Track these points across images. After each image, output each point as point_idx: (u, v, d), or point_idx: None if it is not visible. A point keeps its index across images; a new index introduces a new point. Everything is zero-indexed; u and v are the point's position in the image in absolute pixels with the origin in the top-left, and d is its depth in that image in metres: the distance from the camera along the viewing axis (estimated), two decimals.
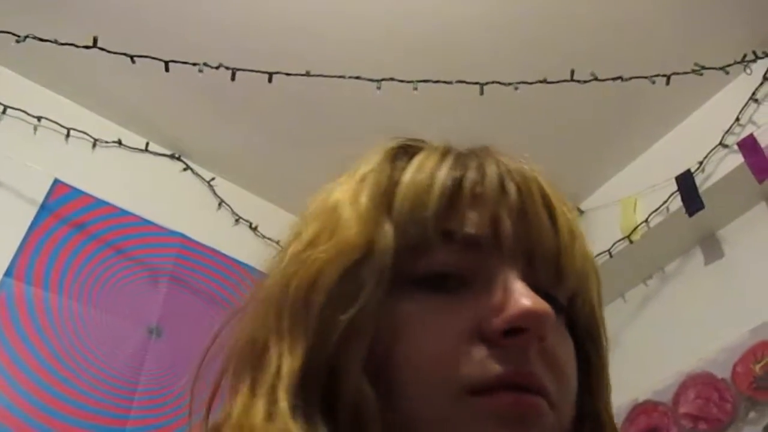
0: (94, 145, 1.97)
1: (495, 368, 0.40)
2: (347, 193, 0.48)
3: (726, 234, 2.05)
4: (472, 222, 0.44)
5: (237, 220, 2.15)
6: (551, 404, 0.41)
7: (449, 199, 0.44)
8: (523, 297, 0.40)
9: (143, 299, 1.79)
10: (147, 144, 2.07)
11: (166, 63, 1.57)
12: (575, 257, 0.45)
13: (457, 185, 0.45)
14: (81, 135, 1.95)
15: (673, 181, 1.97)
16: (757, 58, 1.85)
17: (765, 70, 1.87)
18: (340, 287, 0.42)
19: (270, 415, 0.39)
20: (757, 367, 1.78)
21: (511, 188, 0.45)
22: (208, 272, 1.97)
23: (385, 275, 0.42)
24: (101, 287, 1.75)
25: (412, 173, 0.46)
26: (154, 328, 1.76)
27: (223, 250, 2.05)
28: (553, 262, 0.44)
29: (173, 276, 1.89)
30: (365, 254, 0.43)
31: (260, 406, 0.40)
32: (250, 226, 2.16)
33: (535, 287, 0.42)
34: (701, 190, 1.92)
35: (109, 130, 2.02)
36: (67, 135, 1.92)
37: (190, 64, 1.56)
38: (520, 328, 0.40)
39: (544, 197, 0.46)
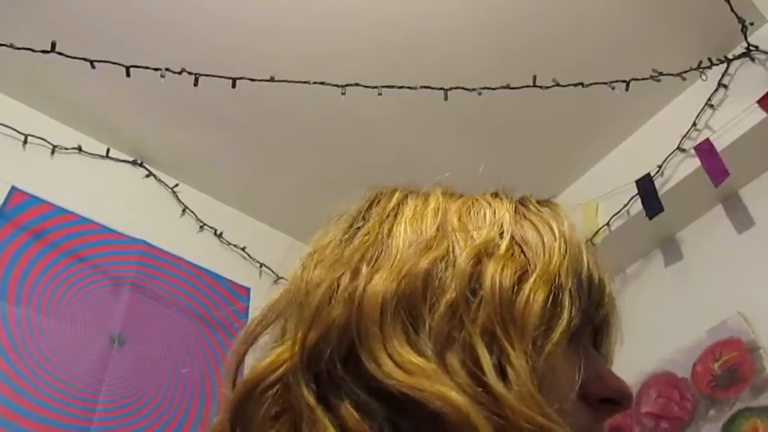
0: (52, 152, 1.93)
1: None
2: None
3: (685, 236, 2.10)
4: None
5: (201, 227, 2.13)
6: None
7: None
8: (622, 379, 0.49)
9: (105, 308, 1.76)
10: (108, 150, 2.03)
11: (127, 68, 1.54)
12: None
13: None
14: (39, 141, 1.91)
15: (634, 185, 2.01)
16: (712, 64, 1.90)
17: (720, 76, 1.93)
18: None
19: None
20: (716, 366, 1.83)
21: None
22: (172, 279, 1.95)
23: None
24: (61, 296, 1.71)
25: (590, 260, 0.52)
26: (116, 337, 1.73)
27: (187, 257, 2.02)
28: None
29: (135, 284, 1.86)
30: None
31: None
32: (215, 233, 2.14)
33: None
34: (661, 193, 1.97)
35: (69, 136, 1.98)
36: (25, 141, 1.88)
37: (152, 69, 1.54)
38: (615, 402, 0.48)
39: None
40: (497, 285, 0.42)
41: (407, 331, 0.41)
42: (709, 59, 1.89)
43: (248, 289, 2.09)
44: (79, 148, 1.98)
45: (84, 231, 1.86)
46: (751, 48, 1.86)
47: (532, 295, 0.43)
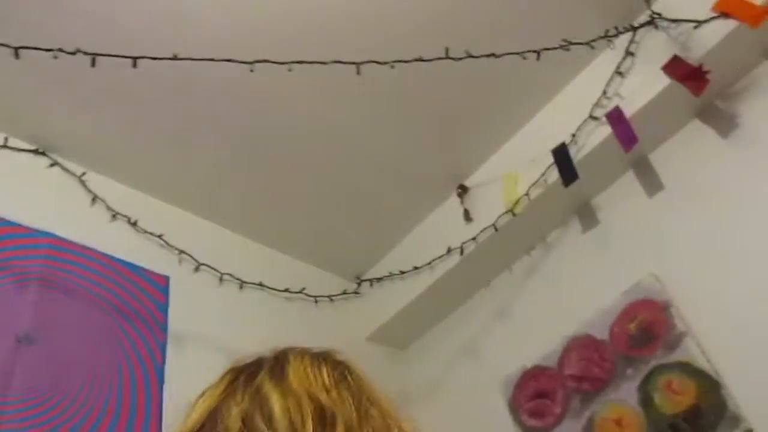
0: None
1: None
2: None
3: (599, 202, 2.16)
4: None
5: (114, 216, 2.03)
6: None
7: None
8: None
9: (9, 306, 1.66)
10: (6, 139, 1.91)
11: (15, 49, 1.44)
12: None
13: None
14: None
15: (550, 154, 2.04)
16: (618, 33, 1.95)
17: (627, 44, 1.97)
18: None
19: None
20: (632, 326, 1.89)
21: None
22: (84, 273, 1.86)
23: None
24: None
25: None
26: (23, 336, 1.64)
27: (100, 249, 1.93)
28: None
29: (44, 279, 1.76)
30: None
31: None
32: (129, 221, 2.05)
33: None
34: (575, 161, 2.01)
35: None
36: None
37: (44, 50, 1.45)
38: None
39: None
40: None
41: None
42: (616, 28, 1.93)
43: (167, 278, 2.03)
44: None
45: None
46: (655, 16, 1.91)
47: None
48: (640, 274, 1.91)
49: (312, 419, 0.56)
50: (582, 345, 1.99)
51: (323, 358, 0.67)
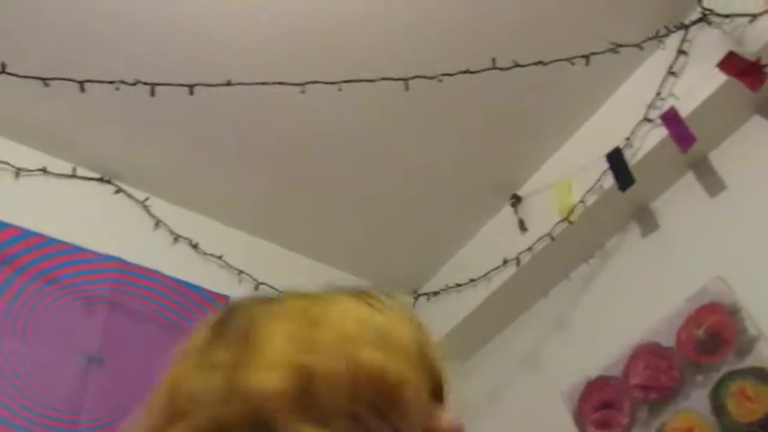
0: (17, 175, 1.90)
1: None
2: None
3: (659, 206, 2.11)
4: None
5: (176, 239, 2.10)
6: None
7: None
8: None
9: (80, 328, 1.74)
10: (74, 169, 2.01)
11: (81, 83, 1.52)
12: None
13: None
14: (2, 165, 1.88)
15: (604, 159, 2.01)
16: (669, 32, 1.91)
17: (678, 43, 1.93)
18: None
19: None
20: (699, 332, 1.83)
21: None
22: (149, 294, 1.93)
23: None
24: (35, 320, 1.68)
25: None
26: (94, 357, 1.71)
27: (164, 271, 2.00)
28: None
29: (111, 302, 1.83)
30: None
31: None
32: (191, 244, 2.12)
33: None
34: (631, 165, 1.97)
35: (33, 157, 1.95)
36: None
37: (106, 82, 1.52)
38: None
39: None
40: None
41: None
42: (666, 27, 1.90)
43: (227, 298, 2.08)
44: (44, 169, 1.95)
45: (54, 252, 1.83)
46: (706, 12, 1.86)
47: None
48: (706, 278, 1.85)
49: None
50: (647, 353, 1.94)
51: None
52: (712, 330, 1.80)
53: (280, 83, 1.59)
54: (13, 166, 1.89)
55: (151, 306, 1.91)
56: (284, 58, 1.69)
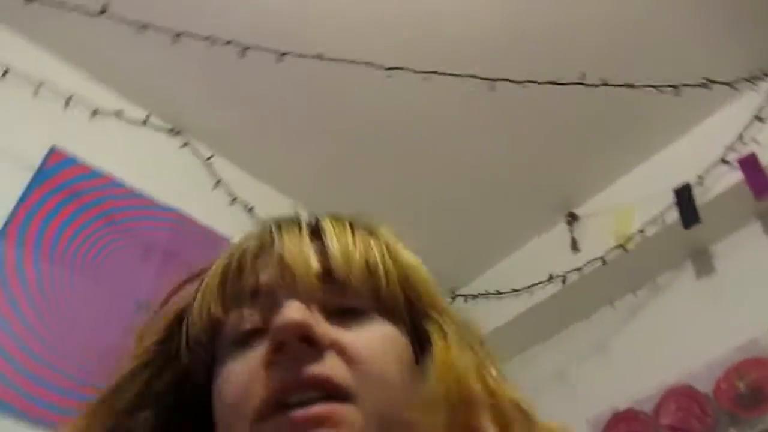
0: (93, 114, 1.94)
1: (263, 391, 0.45)
2: None
3: (719, 250, 2.06)
4: (239, 283, 0.52)
5: (233, 200, 2.13)
6: (348, 396, 0.44)
7: (223, 274, 0.53)
8: (281, 314, 0.46)
9: (134, 273, 1.77)
10: (147, 117, 2.04)
11: (177, 35, 1.54)
12: (351, 272, 0.50)
13: (228, 263, 0.53)
14: (81, 103, 1.92)
15: (671, 192, 1.98)
16: (765, 76, 1.86)
17: None
18: None
19: None
20: (741, 384, 1.80)
21: (274, 240, 0.52)
22: (203, 251, 1.95)
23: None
24: (93, 258, 1.73)
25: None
26: (144, 303, 1.74)
27: (218, 229, 2.03)
28: (327, 284, 0.50)
29: (166, 251, 1.87)
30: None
31: None
32: (246, 207, 2.14)
33: (329, 306, 0.49)
34: (699, 203, 1.93)
35: (110, 100, 1.99)
36: (67, 102, 1.89)
37: (201, 37, 1.54)
38: (279, 342, 0.45)
39: (315, 232, 0.53)
40: None
41: None
42: (763, 71, 1.85)
43: None
44: (119, 113, 1.99)
45: (119, 195, 1.88)
46: None
47: None
48: (758, 331, 1.81)
49: None
50: (682, 395, 1.91)
51: None
52: (755, 384, 1.77)
53: (368, 64, 1.59)
54: (91, 106, 1.93)
55: (201, 261, 1.94)
56: (377, 40, 1.70)
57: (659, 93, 1.82)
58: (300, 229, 0.53)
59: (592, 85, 1.70)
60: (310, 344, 0.45)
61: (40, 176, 1.73)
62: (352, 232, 0.53)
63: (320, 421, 0.43)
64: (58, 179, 1.77)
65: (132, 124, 2.02)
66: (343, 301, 0.49)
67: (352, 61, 1.57)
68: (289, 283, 0.49)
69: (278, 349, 0.45)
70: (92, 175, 1.85)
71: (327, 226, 0.53)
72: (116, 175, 1.89)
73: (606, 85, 1.72)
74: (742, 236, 2.02)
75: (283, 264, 0.50)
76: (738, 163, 1.88)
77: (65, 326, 1.58)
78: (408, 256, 0.56)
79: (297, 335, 0.45)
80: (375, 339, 0.49)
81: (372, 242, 0.54)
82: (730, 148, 1.93)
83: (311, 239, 0.52)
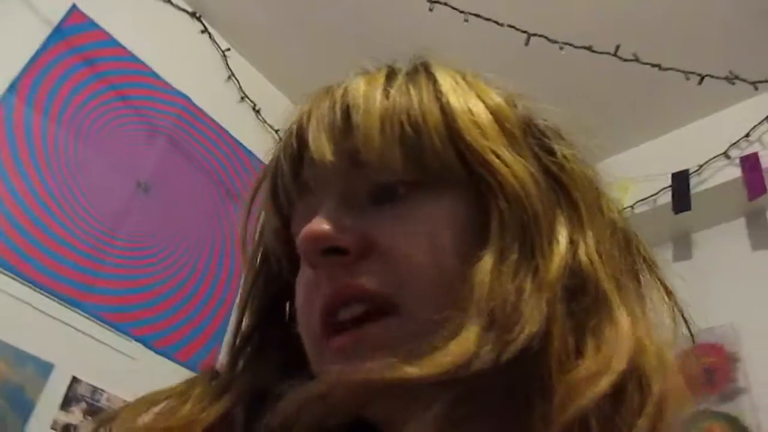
0: None
1: (315, 312, 0.41)
2: None
3: (700, 238, 2.14)
4: (284, 183, 0.46)
5: (242, 98, 2.11)
6: (390, 306, 0.39)
7: (274, 171, 0.48)
8: (305, 227, 0.41)
9: (137, 152, 1.77)
10: None
11: None
12: (378, 145, 0.41)
13: (278, 154, 0.48)
14: None
15: (669, 176, 2.03)
16: None
17: None
18: None
19: None
20: (693, 364, 1.91)
21: (302, 126, 0.46)
22: (206, 142, 1.95)
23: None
24: (99, 129, 1.71)
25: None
26: (143, 183, 1.75)
27: (225, 126, 2.02)
28: (356, 167, 0.42)
29: (170, 136, 1.86)
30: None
31: None
32: (254, 108, 2.12)
33: (363, 191, 0.43)
34: (693, 192, 1.99)
35: None
36: None
37: None
38: (309, 259, 0.41)
39: (345, 104, 0.44)
40: None
41: None
42: None
43: None
44: None
45: (132, 70, 1.84)
46: None
47: None
48: (720, 320, 1.91)
49: None
50: None
51: None
52: (707, 367, 1.88)
53: None
54: None
55: (205, 154, 1.94)
56: None
57: (683, 79, 1.84)
58: (333, 103, 0.45)
59: (624, 59, 1.71)
60: (341, 253, 0.40)
61: (57, 34, 1.68)
62: (386, 90, 0.44)
63: (361, 344, 0.39)
64: (75, 41, 1.72)
65: None
66: (378, 180, 0.42)
67: None
68: (316, 177, 0.44)
69: (313, 264, 0.41)
70: (109, 43, 1.80)
71: (357, 88, 0.45)
72: (133, 49, 1.85)
73: (637, 61, 1.73)
74: (725, 230, 2.10)
75: (309, 155, 0.43)
76: (740, 159, 1.93)
77: (66, 194, 1.58)
78: (463, 100, 0.44)
79: (318, 250, 0.40)
80: (418, 223, 0.41)
81: (413, 93, 0.44)
82: (735, 144, 1.97)
83: (341, 111, 0.44)
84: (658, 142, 2.19)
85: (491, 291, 0.37)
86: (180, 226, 1.80)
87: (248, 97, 2.11)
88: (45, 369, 1.39)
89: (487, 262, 0.38)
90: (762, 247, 2.00)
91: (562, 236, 0.40)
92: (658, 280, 0.46)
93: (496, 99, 0.47)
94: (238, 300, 0.50)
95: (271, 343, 0.47)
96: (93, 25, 1.78)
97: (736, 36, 1.86)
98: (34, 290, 1.44)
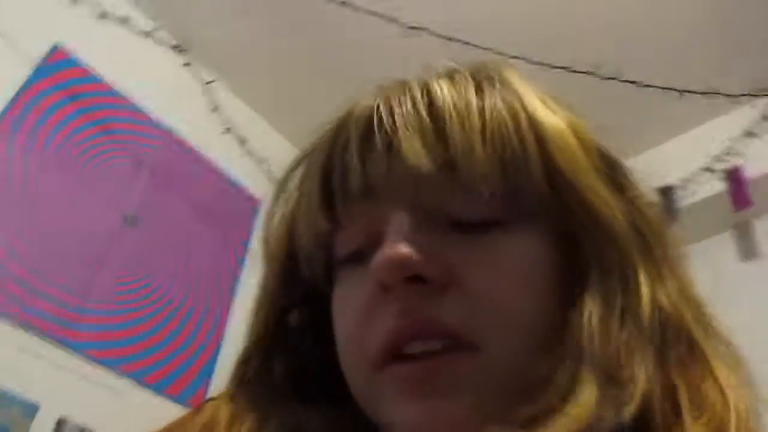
0: (101, 17, 1.88)
1: (376, 338, 0.37)
2: None
3: (687, 252, 2.15)
4: (344, 182, 0.40)
5: (228, 129, 2.11)
6: (472, 345, 0.35)
7: (324, 169, 0.42)
8: (381, 250, 0.36)
9: (124, 185, 1.76)
10: (154, 29, 1.99)
11: None
12: (479, 167, 0.37)
13: (331, 148, 0.42)
14: (89, 3, 1.86)
15: (654, 191, 2.04)
16: (764, 95, 1.92)
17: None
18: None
19: None
20: None
21: (382, 122, 0.40)
22: (192, 174, 1.95)
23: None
24: (84, 163, 1.70)
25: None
26: (130, 217, 1.74)
27: (210, 156, 2.02)
28: (438, 182, 0.38)
29: (155, 169, 1.85)
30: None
31: None
32: (239, 139, 2.13)
33: (451, 212, 0.38)
34: (678, 206, 2.00)
35: (119, 5, 1.93)
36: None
37: None
38: (383, 284, 0.36)
39: (434, 109, 0.40)
40: None
41: None
42: (764, 89, 1.91)
43: (260, 202, 2.11)
44: (126, 20, 1.93)
45: (116, 104, 1.84)
46: None
47: None
48: None
49: None
50: None
51: None
52: None
53: (393, 20, 1.58)
54: (100, 7, 1.87)
55: (188, 185, 1.93)
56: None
57: (663, 95, 1.86)
58: (414, 103, 0.40)
59: (604, 78, 1.73)
60: (422, 281, 0.36)
61: (40, 72, 1.69)
62: (481, 107, 0.39)
63: (436, 376, 0.35)
64: (58, 78, 1.72)
65: (138, 34, 1.97)
66: (470, 208, 0.38)
67: (374, 13, 1.56)
68: (398, 185, 0.38)
69: (384, 289, 0.36)
70: (92, 79, 1.81)
71: (443, 91, 0.40)
72: (116, 84, 1.86)
73: (616, 79, 1.75)
74: (712, 243, 2.10)
75: (391, 158, 0.39)
76: (725, 173, 1.95)
77: (50, 228, 1.57)
78: (550, 123, 0.40)
79: (400, 277, 0.36)
80: (511, 263, 0.37)
81: (508, 118, 0.39)
82: (719, 158, 2.00)
83: (428, 115, 0.39)
84: (641, 158, 2.20)
85: (603, 342, 0.34)
86: (168, 259, 1.79)
87: (234, 128, 2.12)
88: (30, 410, 1.37)
89: (591, 308, 0.35)
90: (750, 257, 2.01)
91: (645, 281, 0.38)
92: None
93: (576, 121, 0.44)
94: (255, 306, 0.46)
95: (281, 356, 0.43)
96: (75, 62, 1.78)
97: (713, 50, 1.90)
98: (18, 329, 1.42)
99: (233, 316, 1.87)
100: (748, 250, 2.02)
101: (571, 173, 0.39)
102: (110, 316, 1.60)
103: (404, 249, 0.36)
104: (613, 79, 1.77)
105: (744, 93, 1.92)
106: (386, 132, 0.39)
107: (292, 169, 0.46)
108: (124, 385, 1.57)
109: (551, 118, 0.41)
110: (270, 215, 0.46)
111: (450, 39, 1.67)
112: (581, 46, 1.81)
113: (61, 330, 1.49)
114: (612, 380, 0.33)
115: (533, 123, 0.40)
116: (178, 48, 2.05)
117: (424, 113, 0.39)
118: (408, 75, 0.47)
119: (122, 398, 1.56)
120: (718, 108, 2.00)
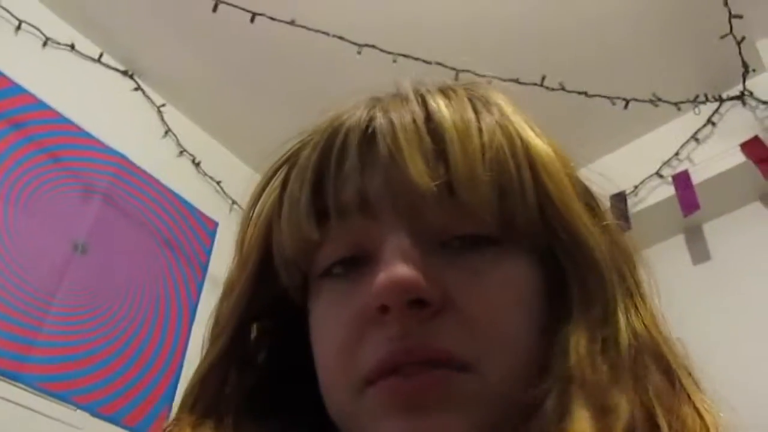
0: (44, 44, 1.86)
1: (374, 355, 0.36)
2: None
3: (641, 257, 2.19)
4: (338, 192, 0.39)
5: (181, 152, 2.10)
6: (466, 366, 0.35)
7: (316, 176, 0.40)
8: (382, 270, 0.36)
9: (73, 213, 1.73)
10: (101, 55, 1.98)
11: None
12: (478, 191, 0.37)
13: (324, 155, 0.41)
14: (33, 30, 1.84)
15: (607, 198, 2.07)
16: (707, 101, 1.97)
17: (711, 113, 2.00)
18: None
19: None
20: None
21: (380, 138, 0.39)
22: (144, 198, 1.92)
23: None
24: (31, 193, 1.67)
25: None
26: (80, 244, 1.71)
27: (163, 180, 2.00)
28: (436, 202, 0.37)
29: (107, 195, 1.83)
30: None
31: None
32: (193, 161, 2.11)
33: (446, 233, 0.38)
34: (631, 212, 2.04)
35: (64, 31, 1.91)
36: (18, 27, 1.81)
37: None
38: (382, 304, 0.36)
39: (434, 127, 0.39)
40: None
41: None
42: (705, 95, 1.96)
43: (216, 223, 2.09)
44: (72, 46, 1.91)
45: (64, 131, 1.81)
46: (746, 93, 1.94)
47: None
48: None
49: None
50: None
51: None
52: None
53: (340, 38, 1.59)
54: (43, 35, 1.85)
55: (143, 210, 1.91)
56: (351, 16, 1.69)
57: (610, 104, 1.90)
58: (414, 118, 0.39)
59: (551, 89, 1.76)
60: (420, 305, 0.36)
61: None
62: (480, 129, 0.39)
63: (428, 391, 0.35)
64: (2, 106, 1.69)
65: (84, 59, 1.95)
66: (464, 228, 0.38)
67: (325, 33, 1.57)
68: (396, 201, 0.38)
69: (382, 310, 0.36)
70: (38, 106, 1.78)
71: (444, 117, 0.39)
72: (63, 110, 1.83)
73: (563, 90, 1.78)
74: (665, 247, 2.14)
75: (390, 173, 0.38)
76: (672, 178, 2.00)
77: None
78: (541, 149, 0.41)
79: (404, 300, 0.35)
80: (502, 286, 0.38)
81: (504, 142, 0.39)
82: (667, 163, 2.04)
83: (427, 132, 0.39)
84: (592, 167, 2.24)
85: (592, 369, 0.35)
86: (121, 285, 1.76)
87: (187, 151, 2.10)
88: None
89: (578, 335, 0.36)
90: (702, 259, 2.05)
91: (622, 310, 0.39)
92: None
93: (558, 146, 0.44)
94: (216, 316, 0.44)
95: (240, 372, 0.42)
96: (20, 89, 1.75)
97: (656, 59, 1.94)
98: None
99: (192, 342, 1.84)
100: (699, 253, 2.07)
101: (559, 200, 0.40)
102: (62, 347, 1.57)
103: (409, 272, 0.35)
104: (561, 89, 1.80)
105: (689, 100, 1.97)
106: (387, 146, 0.39)
107: (273, 173, 0.46)
108: (79, 417, 1.54)
109: (540, 143, 0.42)
110: (246, 219, 0.45)
111: (401, 55, 1.68)
112: (526, 56, 1.85)
113: (12, 364, 1.45)
114: (601, 408, 0.33)
115: (527, 148, 0.41)
116: (126, 73, 2.03)
117: (424, 130, 0.39)
118: (362, 93, 0.47)
119: (78, 431, 1.52)
120: (662, 116, 2.05)
